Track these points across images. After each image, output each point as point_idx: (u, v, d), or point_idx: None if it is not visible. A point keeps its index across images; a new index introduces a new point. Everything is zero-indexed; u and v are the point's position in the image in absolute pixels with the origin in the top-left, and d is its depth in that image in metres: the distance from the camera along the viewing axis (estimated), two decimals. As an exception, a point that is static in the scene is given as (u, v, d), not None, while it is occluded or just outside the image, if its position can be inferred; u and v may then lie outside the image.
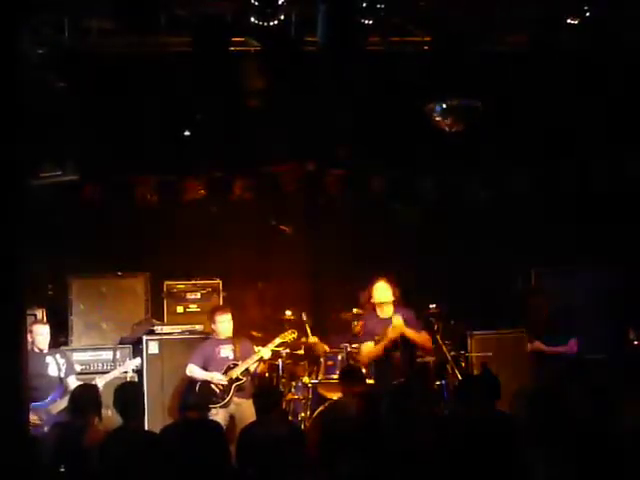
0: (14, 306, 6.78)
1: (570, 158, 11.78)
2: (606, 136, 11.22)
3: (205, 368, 10.24)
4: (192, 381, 10.15)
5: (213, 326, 10.42)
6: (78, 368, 10.31)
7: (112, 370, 10.29)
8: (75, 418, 7.76)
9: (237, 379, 10.14)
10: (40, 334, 9.95)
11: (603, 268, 11.55)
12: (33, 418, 9.25)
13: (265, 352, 10.35)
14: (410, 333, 9.83)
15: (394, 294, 10.01)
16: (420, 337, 9.93)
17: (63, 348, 10.57)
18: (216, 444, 7.18)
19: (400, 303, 10.04)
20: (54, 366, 9.91)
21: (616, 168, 11.78)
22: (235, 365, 10.21)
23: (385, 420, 6.98)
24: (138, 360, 10.47)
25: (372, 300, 10.11)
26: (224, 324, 10.33)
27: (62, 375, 9.93)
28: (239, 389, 10.13)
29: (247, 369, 10.24)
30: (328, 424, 7.39)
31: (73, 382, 9.87)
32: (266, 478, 7.20)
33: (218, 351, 10.30)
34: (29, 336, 9.90)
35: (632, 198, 11.58)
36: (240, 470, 7.45)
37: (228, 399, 10.08)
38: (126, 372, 10.32)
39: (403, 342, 9.90)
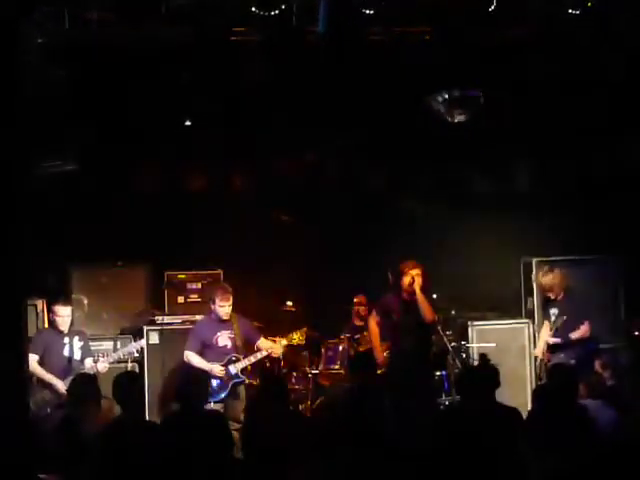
0: (14, 296, 6.78)
1: (571, 149, 11.74)
2: (607, 127, 11.18)
3: (201, 354, 10.08)
4: (189, 372, 9.77)
5: (213, 306, 10.16)
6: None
7: (116, 352, 10.36)
8: (74, 407, 7.79)
9: (237, 376, 9.97)
10: (61, 315, 9.93)
11: (605, 258, 11.52)
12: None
13: (277, 348, 10.27)
14: (420, 296, 9.77)
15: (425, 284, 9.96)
16: (427, 304, 9.79)
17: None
18: (217, 434, 7.16)
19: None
20: (68, 348, 9.92)
21: (616, 159, 11.74)
22: (237, 359, 10.03)
23: (385, 412, 7.01)
24: (143, 342, 10.48)
25: (402, 283, 9.94)
26: (225, 308, 10.07)
27: (76, 358, 9.93)
28: (235, 389, 10.00)
29: (247, 367, 10.09)
30: (328, 412, 7.38)
31: (90, 364, 9.94)
32: (271, 470, 7.20)
33: (216, 339, 10.08)
34: (51, 316, 9.96)
35: (633, 188, 11.54)
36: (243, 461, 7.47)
37: (224, 396, 9.92)
38: (130, 353, 10.36)
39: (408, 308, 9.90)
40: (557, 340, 10.26)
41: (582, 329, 10.25)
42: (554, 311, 10.38)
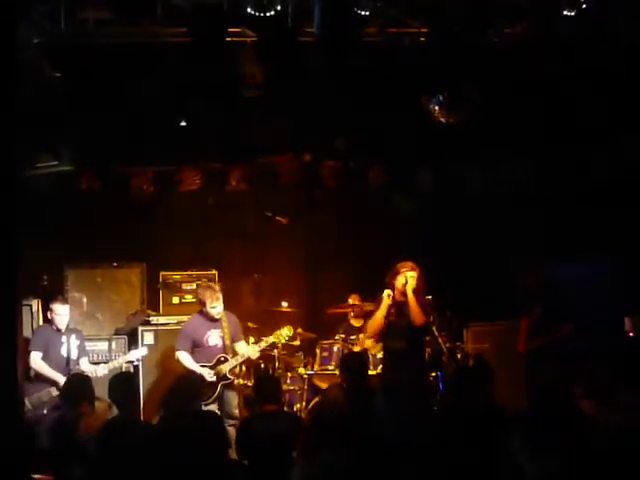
0: (9, 295, 6.77)
1: (569, 146, 11.72)
2: (605, 124, 11.17)
3: (191, 353, 10.02)
4: (183, 372, 9.82)
5: (204, 309, 10.09)
6: (74, 358, 10.30)
7: (116, 359, 10.37)
8: (68, 408, 7.78)
9: (225, 377, 9.89)
10: (59, 314, 9.94)
11: (603, 256, 11.51)
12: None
13: (252, 352, 10.12)
14: (412, 298, 9.45)
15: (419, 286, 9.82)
16: (417, 308, 9.35)
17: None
18: (213, 435, 7.15)
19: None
20: (65, 347, 9.91)
21: (615, 156, 11.72)
22: (225, 359, 9.95)
23: (378, 413, 7.00)
24: (144, 350, 10.42)
25: (396, 283, 9.62)
26: (216, 308, 10.02)
27: (72, 357, 9.92)
28: (225, 386, 9.94)
29: (234, 367, 10.01)
30: (319, 412, 7.37)
31: (85, 364, 9.93)
32: (266, 471, 7.20)
33: (207, 339, 10.02)
34: (49, 314, 9.95)
35: (631, 186, 11.54)
36: (239, 462, 7.47)
37: (214, 397, 9.82)
38: (132, 361, 10.36)
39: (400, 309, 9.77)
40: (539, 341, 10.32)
41: (562, 330, 10.28)
42: (538, 310, 10.43)
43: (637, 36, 9.20)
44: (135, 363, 10.52)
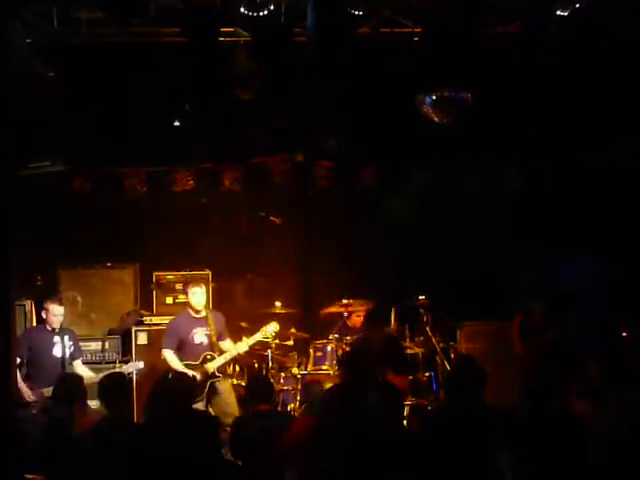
0: (4, 295, 6.78)
1: (561, 148, 11.74)
2: (595, 126, 11.19)
3: (177, 350, 10.03)
4: (175, 372, 9.59)
5: (187, 302, 10.17)
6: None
7: (111, 364, 10.36)
8: (60, 407, 7.76)
9: (213, 375, 9.91)
10: (54, 314, 9.84)
11: (598, 257, 11.52)
12: (28, 394, 9.33)
13: (240, 348, 10.14)
14: None
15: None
16: None
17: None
18: (205, 435, 7.15)
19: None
20: (59, 347, 9.84)
21: (609, 158, 11.73)
22: (212, 357, 9.97)
23: (370, 411, 6.99)
24: (141, 364, 10.34)
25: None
26: (197, 296, 10.09)
27: (66, 357, 9.87)
28: (213, 385, 9.94)
29: (222, 365, 10.01)
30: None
31: (78, 366, 9.90)
32: (258, 470, 7.20)
33: (192, 337, 10.03)
34: (43, 313, 9.89)
35: (627, 187, 11.54)
36: (232, 462, 7.47)
37: (203, 395, 9.85)
38: (129, 373, 10.28)
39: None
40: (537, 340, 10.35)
41: (560, 329, 10.31)
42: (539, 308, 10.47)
43: (631, 36, 9.22)
44: (130, 376, 10.43)
